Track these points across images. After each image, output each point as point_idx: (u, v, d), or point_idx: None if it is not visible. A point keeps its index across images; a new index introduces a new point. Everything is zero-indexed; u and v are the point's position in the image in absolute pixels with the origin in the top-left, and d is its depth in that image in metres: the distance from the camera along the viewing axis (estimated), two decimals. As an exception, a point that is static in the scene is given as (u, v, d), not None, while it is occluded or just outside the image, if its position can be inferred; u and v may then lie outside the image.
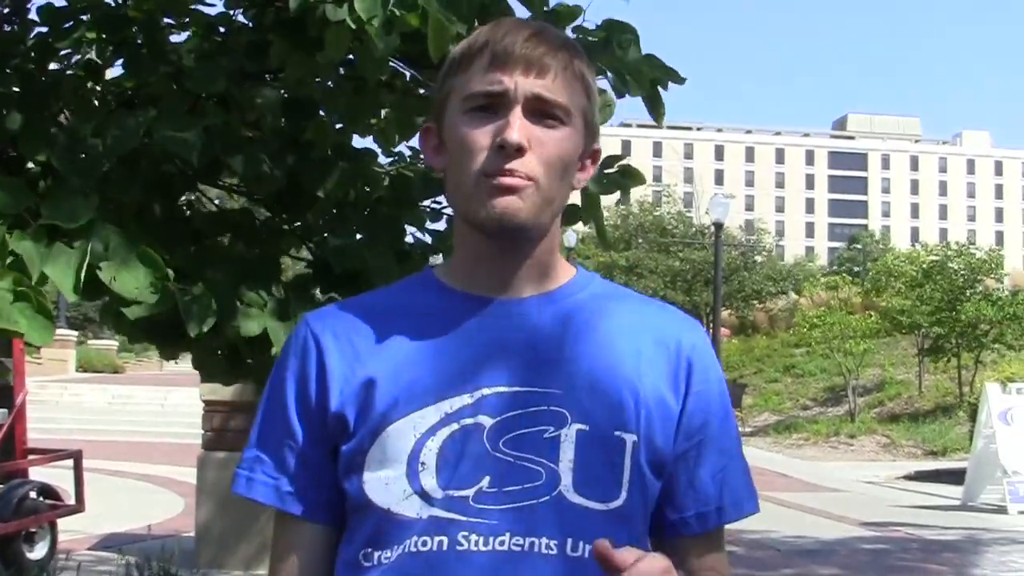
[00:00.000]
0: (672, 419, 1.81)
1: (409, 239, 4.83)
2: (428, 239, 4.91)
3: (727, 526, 1.89)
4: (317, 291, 4.30)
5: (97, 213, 3.61)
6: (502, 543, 1.68)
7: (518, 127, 1.74)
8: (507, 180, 1.73)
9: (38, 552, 10.10)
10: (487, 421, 1.74)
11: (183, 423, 24.25)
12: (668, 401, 1.81)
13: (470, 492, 1.71)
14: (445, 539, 1.70)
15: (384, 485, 1.73)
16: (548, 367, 1.78)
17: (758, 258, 65.08)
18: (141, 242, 3.65)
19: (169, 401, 30.73)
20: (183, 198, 4.67)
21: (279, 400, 1.86)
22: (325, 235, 4.53)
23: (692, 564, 1.83)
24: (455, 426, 1.74)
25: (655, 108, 4.38)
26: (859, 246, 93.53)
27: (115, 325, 4.87)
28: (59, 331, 42.14)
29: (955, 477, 22.96)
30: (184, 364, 47.22)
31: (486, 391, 1.75)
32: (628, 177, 4.59)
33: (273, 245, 4.57)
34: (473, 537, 1.70)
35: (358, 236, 4.59)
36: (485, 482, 1.71)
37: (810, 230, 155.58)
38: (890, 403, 36.89)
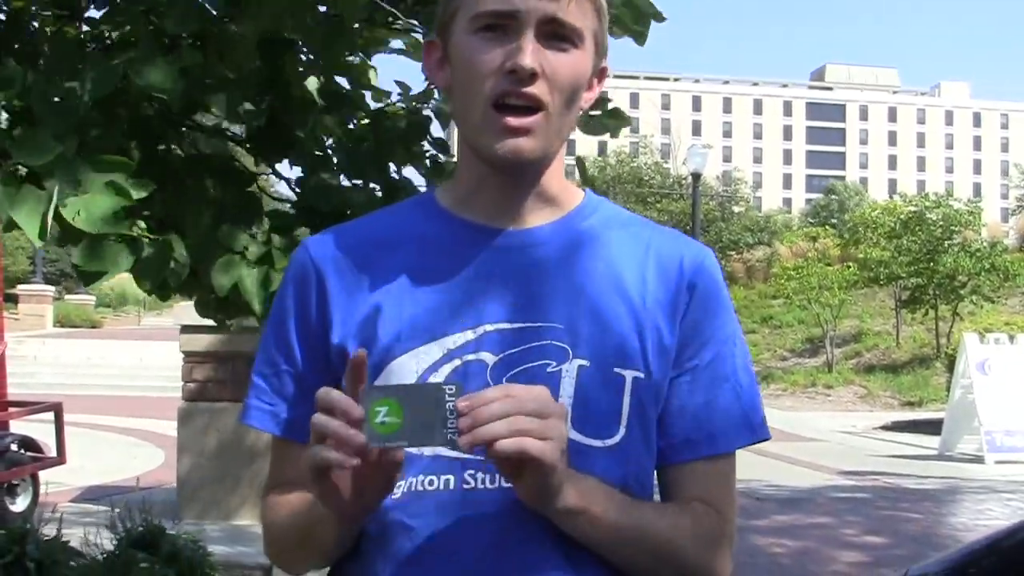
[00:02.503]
0: (670, 348, 1.76)
1: (395, 175, 4.78)
2: (414, 177, 4.88)
3: None
4: (300, 231, 4.25)
5: (73, 154, 3.55)
6: (507, 480, 1.63)
7: (531, 52, 1.67)
8: (517, 121, 1.68)
9: (20, 504, 10.11)
10: (490, 358, 1.71)
11: (162, 377, 24.21)
12: (668, 329, 1.76)
13: None
14: (451, 478, 1.68)
15: None
16: (551, 300, 1.74)
17: (736, 208, 65.19)
18: (116, 165, 3.58)
19: (147, 355, 30.64)
20: (160, 144, 4.63)
21: (280, 326, 1.82)
22: (308, 175, 4.48)
23: (682, 493, 1.78)
24: (457, 362, 1.71)
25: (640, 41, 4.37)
26: (836, 196, 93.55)
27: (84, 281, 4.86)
28: (36, 286, 41.99)
29: (932, 427, 23.10)
30: (162, 319, 47.04)
31: (488, 327, 1.72)
32: (614, 119, 4.59)
33: (252, 186, 4.53)
34: (480, 475, 1.67)
35: (341, 177, 4.57)
36: None
37: (788, 181, 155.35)
38: (867, 354, 37.05)
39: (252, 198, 4.45)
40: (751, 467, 16.02)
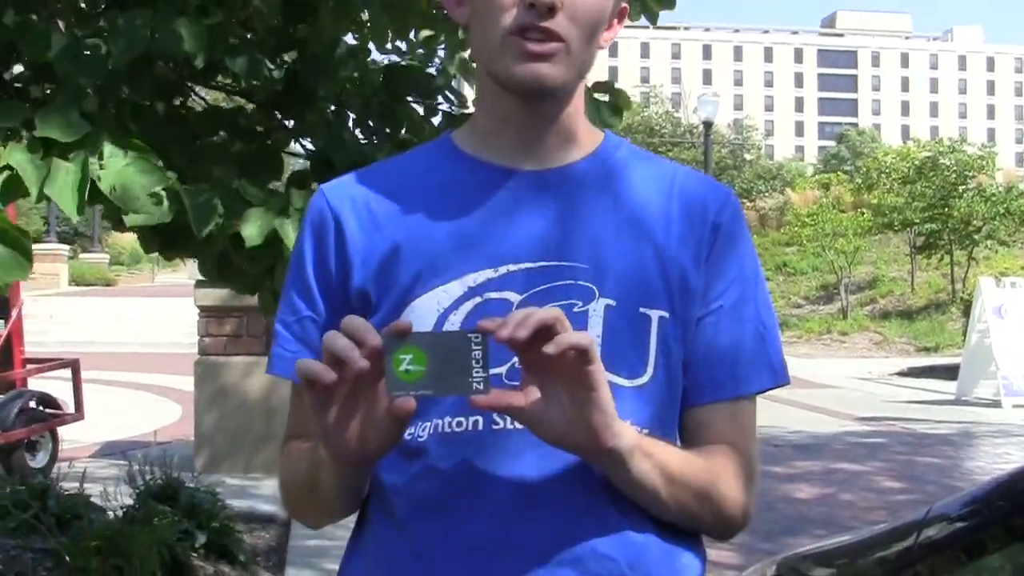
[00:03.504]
0: (695, 289, 1.74)
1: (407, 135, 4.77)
2: (428, 127, 4.86)
3: None
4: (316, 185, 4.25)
5: (96, 117, 3.53)
6: (520, 423, 1.59)
7: None
8: (537, 47, 1.65)
9: (40, 460, 10.15)
10: (514, 297, 1.68)
11: (177, 333, 24.31)
12: (693, 270, 1.74)
13: (503, 369, 1.64)
14: (480, 419, 1.66)
15: None
16: (575, 239, 1.72)
17: (747, 156, 64.99)
18: (140, 147, 3.57)
19: (162, 312, 30.72)
20: (177, 100, 4.62)
21: (300, 274, 1.80)
22: (324, 131, 4.47)
23: (707, 435, 1.76)
24: (479, 299, 1.69)
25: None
26: (849, 143, 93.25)
27: (119, 227, 4.85)
28: (50, 246, 42.10)
29: (948, 373, 23.12)
30: (176, 275, 47.14)
31: (512, 267, 1.70)
32: (616, 109, 4.57)
33: (270, 141, 4.51)
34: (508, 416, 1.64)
35: (356, 131, 4.55)
36: (502, 368, 1.63)
37: (799, 129, 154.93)
38: (882, 300, 37.04)
39: (270, 153, 4.43)
40: (767, 414, 15.99)
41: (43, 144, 3.45)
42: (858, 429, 16.16)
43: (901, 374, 26.36)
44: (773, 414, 16.50)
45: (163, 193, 3.55)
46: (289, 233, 3.84)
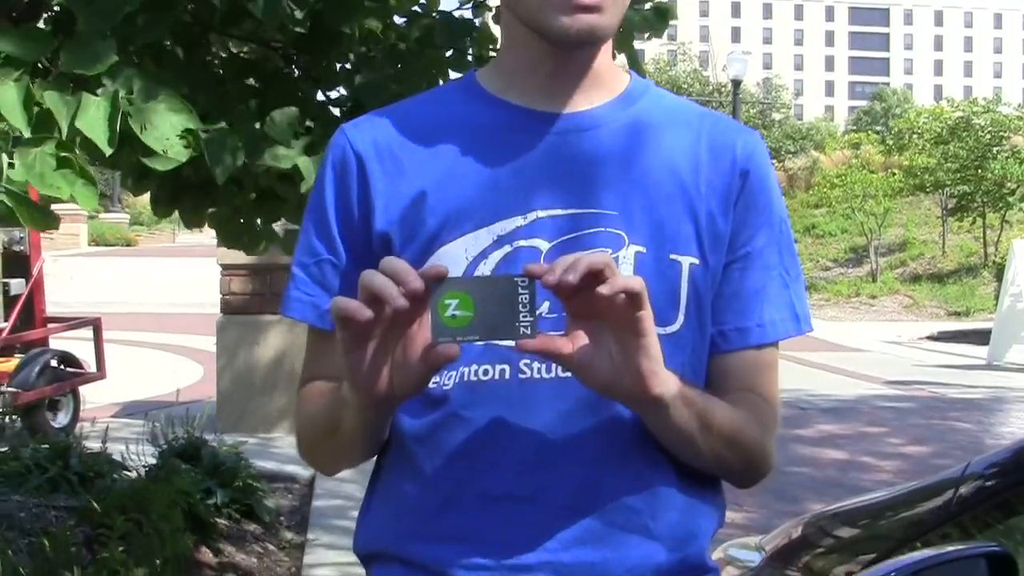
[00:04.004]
0: (724, 235, 1.74)
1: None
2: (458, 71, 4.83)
3: None
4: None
5: (119, 58, 3.51)
6: (565, 369, 1.59)
7: None
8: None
9: (61, 420, 10.20)
10: (543, 245, 1.68)
11: (198, 293, 24.32)
12: (721, 216, 1.74)
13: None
14: (507, 367, 1.66)
15: None
16: (604, 186, 1.71)
17: (776, 116, 64.68)
18: (170, 82, 3.55)
19: (183, 272, 30.78)
20: (199, 47, 4.60)
21: (320, 215, 1.78)
22: (353, 75, 4.43)
23: (732, 382, 1.76)
24: (508, 248, 1.68)
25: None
26: (881, 103, 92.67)
27: (136, 190, 4.85)
28: (69, 205, 42.05)
29: (980, 337, 23.03)
30: (196, 236, 47.28)
31: (540, 213, 1.69)
32: (659, 17, 4.53)
33: (297, 88, 4.49)
34: (536, 364, 1.65)
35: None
36: (544, 307, 1.63)
37: (830, 88, 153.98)
38: (913, 263, 36.87)
39: (296, 98, 4.40)
40: (795, 376, 16.04)
41: (71, 80, 3.42)
42: (887, 393, 16.11)
43: (931, 338, 26.25)
44: (801, 377, 16.49)
45: (191, 135, 3.54)
46: (307, 168, 3.82)
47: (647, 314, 1.49)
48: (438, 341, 1.45)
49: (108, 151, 3.33)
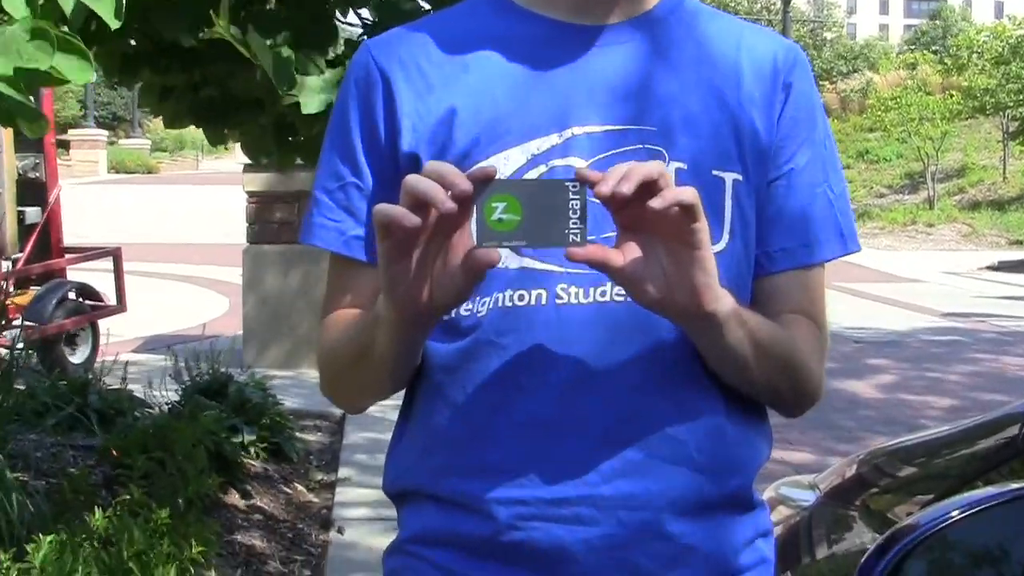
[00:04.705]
0: (767, 150, 1.73)
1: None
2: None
3: None
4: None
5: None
6: (603, 293, 1.61)
7: None
8: None
9: (80, 355, 10.26)
10: (579, 163, 1.64)
11: (223, 223, 24.42)
12: (765, 130, 1.73)
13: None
14: (543, 292, 1.64)
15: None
16: (641, 101, 1.69)
17: (828, 35, 64.21)
18: None
19: (208, 200, 30.90)
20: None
21: (343, 136, 1.75)
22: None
23: (779, 305, 1.75)
24: (543, 168, 1.66)
25: None
26: (939, 21, 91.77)
27: (156, 109, 4.81)
28: (88, 131, 42.38)
29: (1043, 267, 22.93)
30: (221, 162, 47.37)
31: (576, 130, 1.67)
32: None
33: (324, 7, 4.45)
34: (573, 289, 1.63)
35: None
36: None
37: (884, 6, 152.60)
38: (972, 190, 36.70)
39: (324, 19, 4.36)
40: (848, 309, 16.00)
41: None
42: (944, 326, 16.08)
43: (991, 268, 26.16)
44: (854, 309, 16.45)
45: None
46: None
47: (702, 226, 1.48)
48: (482, 245, 1.42)
49: (115, 23, 3.11)
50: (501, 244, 1.42)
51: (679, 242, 1.48)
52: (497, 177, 1.47)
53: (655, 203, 1.43)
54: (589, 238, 1.44)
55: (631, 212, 1.47)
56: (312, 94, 3.84)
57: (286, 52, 3.87)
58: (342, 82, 1.83)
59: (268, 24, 4.13)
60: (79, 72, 3.04)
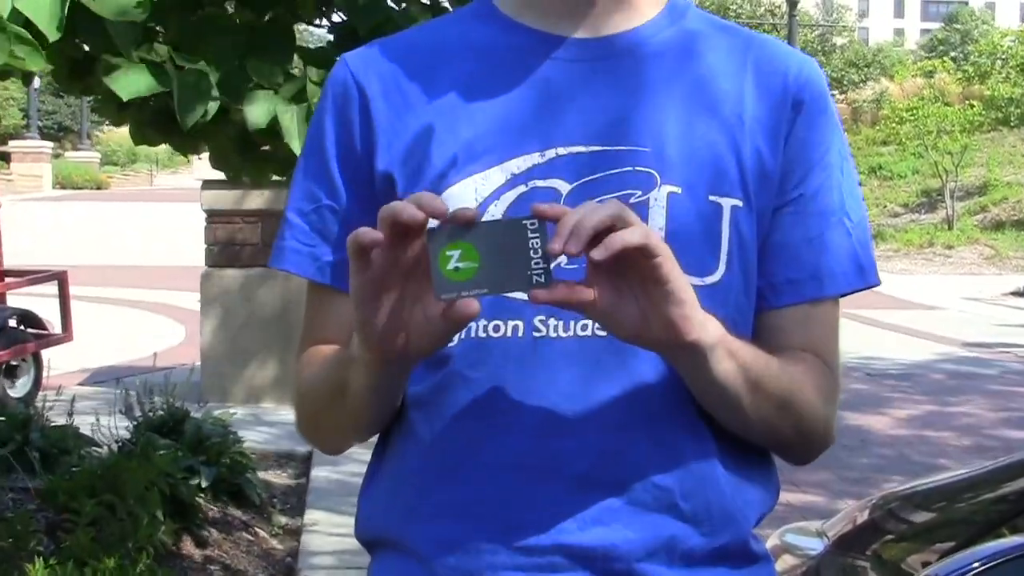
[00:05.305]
0: (772, 174, 1.72)
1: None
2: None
3: None
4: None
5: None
6: (584, 327, 1.61)
7: None
8: None
9: (21, 388, 10.20)
10: (563, 186, 1.66)
11: (179, 243, 24.39)
12: (770, 153, 1.72)
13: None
14: (520, 323, 1.64)
15: None
16: (633, 119, 1.69)
17: (838, 40, 64.44)
18: None
19: (162, 219, 30.86)
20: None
21: (319, 155, 1.77)
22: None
23: (784, 341, 1.74)
24: (523, 188, 1.67)
25: None
26: (958, 26, 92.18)
27: (116, 119, 4.80)
28: (31, 143, 42.27)
29: (1072, 292, 22.98)
30: (177, 177, 47.33)
31: (560, 151, 1.68)
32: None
33: (286, 11, 4.44)
34: (552, 321, 1.64)
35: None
36: (563, 257, 1.56)
37: (899, 9, 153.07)
38: (995, 208, 36.76)
39: (281, 24, 4.37)
40: (860, 338, 16.01)
41: None
42: (965, 356, 16.11)
43: (1016, 294, 26.20)
44: (867, 338, 16.47)
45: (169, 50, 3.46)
46: (290, 123, 3.79)
47: (663, 260, 1.47)
48: (441, 297, 1.43)
49: (54, 35, 3.17)
50: (460, 295, 1.42)
51: (645, 278, 1.49)
52: (475, 199, 1.48)
53: (596, 254, 1.43)
54: (569, 266, 1.45)
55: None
56: (259, 105, 3.83)
57: (234, 61, 3.87)
58: (319, 98, 1.84)
59: (221, 28, 4.13)
60: (25, 59, 3.04)
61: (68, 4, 3.17)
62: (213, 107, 3.84)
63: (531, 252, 1.43)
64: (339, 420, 1.74)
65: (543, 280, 1.43)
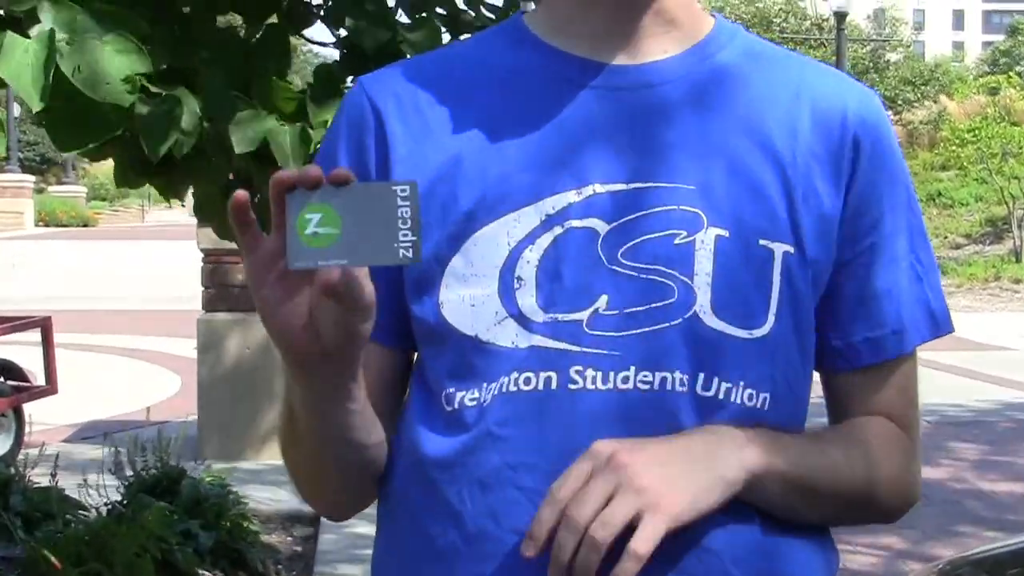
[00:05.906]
0: (833, 219, 1.72)
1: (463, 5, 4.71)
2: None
3: None
4: (348, 82, 4.17)
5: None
6: (626, 380, 1.61)
7: None
8: None
9: (1, 445, 10.22)
10: (601, 226, 1.66)
11: (173, 286, 24.46)
12: (829, 194, 1.72)
13: (583, 315, 1.63)
14: (554, 375, 1.64)
15: (470, 307, 1.65)
16: (677, 155, 1.69)
17: (892, 56, 64.47)
18: (123, 19, 3.48)
19: (154, 259, 30.94)
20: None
21: None
22: (349, 8, 4.40)
23: (865, 405, 1.76)
24: (559, 230, 1.66)
25: None
26: (1021, 38, 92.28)
27: (95, 159, 4.80)
28: (12, 176, 42.45)
29: None
30: (171, 213, 47.48)
31: (599, 188, 1.67)
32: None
33: (281, 23, 4.44)
34: (590, 372, 1.63)
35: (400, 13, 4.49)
36: (602, 302, 1.62)
37: (959, 20, 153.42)
38: (1067, 238, 36.66)
39: (277, 34, 4.35)
40: (920, 382, 15.89)
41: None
42: (1035, 402, 16.03)
43: (1093, 333, 26.13)
44: (928, 382, 16.30)
45: (140, 79, 3.47)
46: (283, 146, 3.78)
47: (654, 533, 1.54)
48: (294, 266, 1.42)
49: (38, 105, 3.25)
50: (317, 263, 1.41)
51: None
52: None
53: None
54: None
55: None
56: (243, 127, 3.83)
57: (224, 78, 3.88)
58: (332, 121, 1.85)
59: (211, 42, 4.13)
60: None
61: (52, 74, 3.24)
62: (189, 142, 3.82)
63: (399, 222, 1.42)
64: (309, 468, 1.75)
65: (411, 254, 1.42)
